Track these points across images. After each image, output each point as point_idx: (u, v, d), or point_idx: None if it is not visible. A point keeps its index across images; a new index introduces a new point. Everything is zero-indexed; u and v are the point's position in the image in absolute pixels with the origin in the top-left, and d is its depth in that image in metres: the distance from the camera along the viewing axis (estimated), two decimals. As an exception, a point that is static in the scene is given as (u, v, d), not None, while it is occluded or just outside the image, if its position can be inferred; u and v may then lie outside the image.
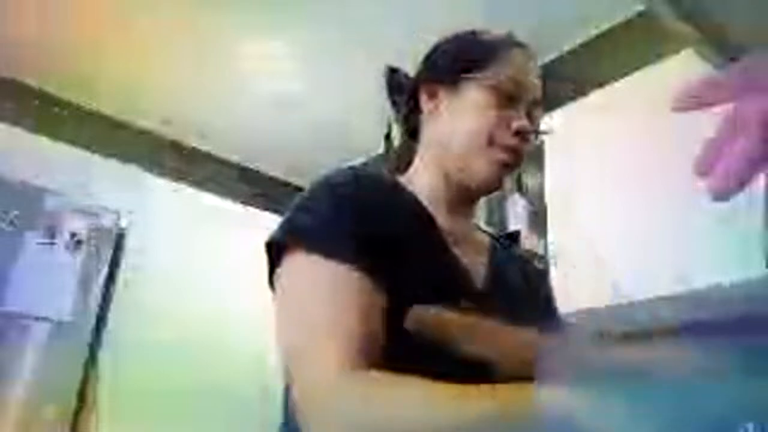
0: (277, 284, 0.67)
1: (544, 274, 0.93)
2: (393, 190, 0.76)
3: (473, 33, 0.84)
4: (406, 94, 0.85)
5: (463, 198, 0.80)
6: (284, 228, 0.67)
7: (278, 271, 0.66)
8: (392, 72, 0.87)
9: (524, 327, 0.73)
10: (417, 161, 0.83)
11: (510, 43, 0.81)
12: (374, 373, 0.56)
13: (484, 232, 0.87)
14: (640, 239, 1.89)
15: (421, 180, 0.80)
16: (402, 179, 0.81)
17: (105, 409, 2.47)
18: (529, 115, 0.77)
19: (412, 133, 0.86)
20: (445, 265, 0.71)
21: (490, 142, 0.74)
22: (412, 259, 0.67)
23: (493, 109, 0.75)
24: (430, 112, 0.81)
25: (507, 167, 0.76)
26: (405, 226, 0.70)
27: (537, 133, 0.80)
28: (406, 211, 0.73)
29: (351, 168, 0.73)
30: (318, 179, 0.71)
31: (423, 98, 0.81)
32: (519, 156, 0.76)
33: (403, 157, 0.87)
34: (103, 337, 2.54)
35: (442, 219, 0.76)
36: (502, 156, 0.75)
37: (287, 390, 0.69)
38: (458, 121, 0.77)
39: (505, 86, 0.75)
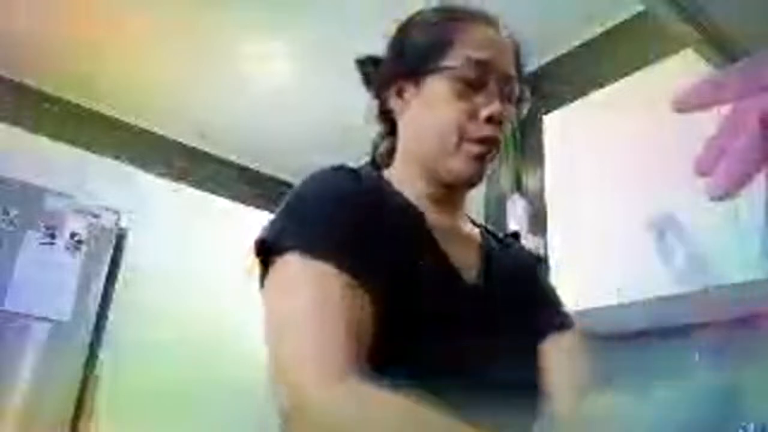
0: (267, 285, 0.64)
1: (539, 262, 0.89)
2: (380, 187, 0.73)
3: (430, 15, 0.78)
4: (375, 90, 0.81)
5: (447, 193, 0.76)
6: (274, 229, 0.64)
7: (270, 273, 0.63)
8: (363, 63, 0.82)
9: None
10: (398, 157, 0.79)
11: (471, 19, 0.75)
12: (364, 386, 0.53)
13: (476, 224, 0.84)
14: (640, 239, 1.89)
15: (403, 176, 0.76)
16: (386, 175, 0.78)
17: (104, 409, 2.47)
18: (501, 93, 0.72)
19: (391, 127, 0.81)
20: (435, 264, 0.68)
21: (461, 136, 0.70)
22: (403, 258, 0.64)
23: (459, 100, 0.70)
24: (401, 110, 0.77)
25: (484, 158, 0.72)
26: (395, 224, 0.67)
27: (519, 101, 0.75)
28: (395, 209, 0.70)
29: (338, 167, 0.69)
30: (304, 180, 0.67)
31: (392, 97, 0.78)
32: (495, 143, 0.71)
33: (385, 153, 0.83)
34: (103, 337, 2.54)
35: (429, 215, 0.72)
36: (477, 149, 0.71)
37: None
38: (427, 118, 0.73)
39: (468, 72, 0.70)
